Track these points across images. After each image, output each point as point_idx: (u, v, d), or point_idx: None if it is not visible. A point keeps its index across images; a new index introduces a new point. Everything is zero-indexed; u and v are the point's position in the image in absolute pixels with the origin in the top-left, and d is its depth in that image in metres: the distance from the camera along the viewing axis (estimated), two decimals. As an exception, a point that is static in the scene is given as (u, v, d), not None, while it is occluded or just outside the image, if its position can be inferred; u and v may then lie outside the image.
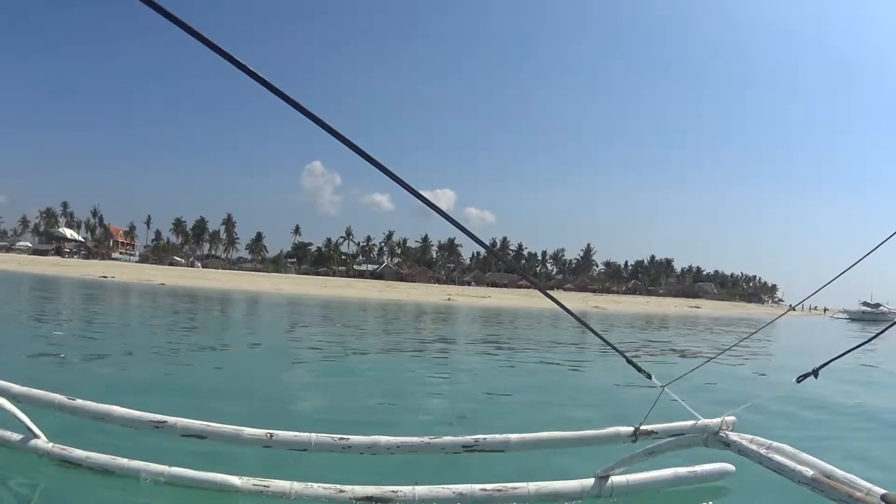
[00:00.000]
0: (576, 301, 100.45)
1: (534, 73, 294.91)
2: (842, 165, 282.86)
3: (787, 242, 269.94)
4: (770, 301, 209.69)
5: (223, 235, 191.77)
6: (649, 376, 5.93)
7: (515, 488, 6.14)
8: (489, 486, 6.09)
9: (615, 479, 6.47)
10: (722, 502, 6.75)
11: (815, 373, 5.02)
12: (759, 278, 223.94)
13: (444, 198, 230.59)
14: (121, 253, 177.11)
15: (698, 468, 6.91)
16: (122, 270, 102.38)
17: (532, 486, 6.19)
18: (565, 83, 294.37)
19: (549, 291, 5.67)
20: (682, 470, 6.85)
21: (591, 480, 6.41)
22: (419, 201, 3.98)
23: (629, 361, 5.86)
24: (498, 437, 6.06)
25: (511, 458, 6.54)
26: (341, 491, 5.90)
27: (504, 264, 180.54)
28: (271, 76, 3.09)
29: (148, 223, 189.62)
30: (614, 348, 5.94)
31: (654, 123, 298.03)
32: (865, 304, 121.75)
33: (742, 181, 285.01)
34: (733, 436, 5.78)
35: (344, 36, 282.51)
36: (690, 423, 5.98)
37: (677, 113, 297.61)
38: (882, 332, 5.30)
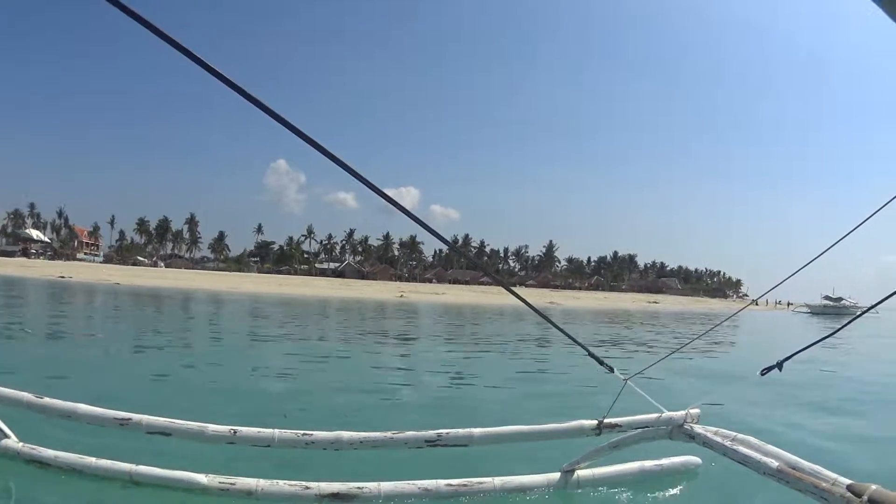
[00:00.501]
0: (532, 297, 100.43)
1: (503, 71, 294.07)
2: (813, 163, 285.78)
3: (755, 238, 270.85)
4: (735, 296, 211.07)
5: (186, 235, 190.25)
6: (611, 370, 5.96)
7: (481, 483, 6.15)
8: (455, 482, 6.09)
9: (581, 472, 6.51)
10: (689, 495, 6.75)
11: (779, 365, 5.04)
12: (724, 273, 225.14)
13: (409, 196, 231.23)
14: (85, 253, 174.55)
15: (665, 461, 6.97)
16: (81, 271, 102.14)
17: (498, 481, 6.21)
18: (534, 81, 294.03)
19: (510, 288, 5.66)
20: (648, 463, 6.90)
21: (557, 474, 6.45)
22: (380, 199, 3.98)
23: (591, 355, 5.86)
24: (461, 431, 6.06)
25: (478, 451, 6.53)
26: (307, 488, 5.89)
27: (466, 261, 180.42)
28: (241, 74, 3.08)
29: (112, 223, 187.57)
30: (576, 342, 5.93)
31: (624, 121, 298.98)
32: (827, 298, 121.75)
33: (712, 178, 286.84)
34: (698, 428, 5.76)
35: (317, 35, 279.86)
36: (654, 415, 5.99)
37: (648, 110, 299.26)
38: (845, 325, 5.35)
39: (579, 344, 5.89)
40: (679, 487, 6.82)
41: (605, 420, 6.08)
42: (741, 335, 42.16)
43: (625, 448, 6.33)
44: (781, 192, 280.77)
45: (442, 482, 6.08)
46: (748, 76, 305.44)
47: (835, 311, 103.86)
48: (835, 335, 5.38)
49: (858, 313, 5.41)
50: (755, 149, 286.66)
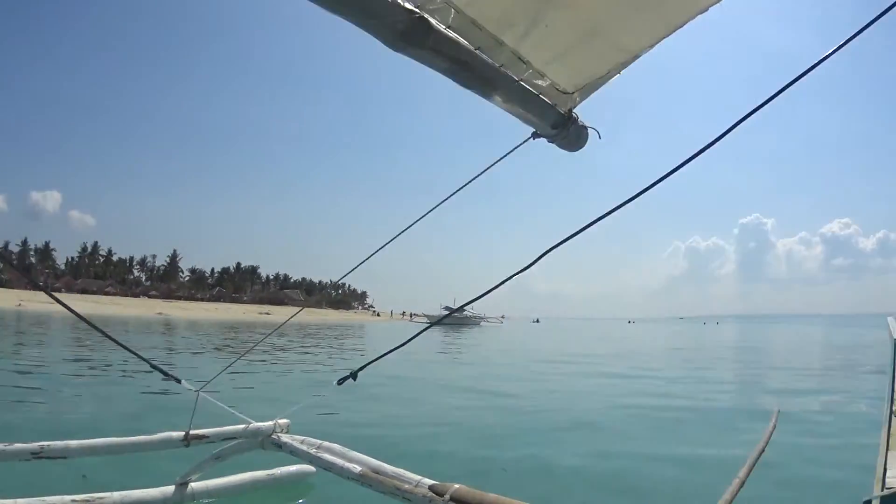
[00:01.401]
0: (140, 308, 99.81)
1: (153, 76, 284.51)
2: (443, 178, 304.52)
3: (381, 251, 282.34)
4: (360, 307, 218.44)
5: None
6: (179, 381, 5.92)
7: (102, 499, 5.99)
8: (79, 497, 5.89)
9: (194, 485, 6.54)
10: (303, 502, 7.03)
11: (353, 375, 5.25)
12: (349, 285, 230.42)
13: (52, 199, 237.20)
14: None
15: (277, 471, 7.18)
16: None
17: (117, 496, 6.08)
18: (182, 89, 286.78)
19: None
20: (260, 473, 7.09)
21: (172, 488, 6.43)
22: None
23: (154, 367, 5.80)
24: (58, 443, 5.79)
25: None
26: None
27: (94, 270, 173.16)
28: None
29: None
30: (138, 356, 5.80)
31: (264, 132, 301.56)
32: (447, 308, 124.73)
33: (339, 193, 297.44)
34: (285, 437, 6.02)
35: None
36: (242, 426, 6.19)
37: (290, 124, 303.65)
38: (414, 337, 5.56)
39: (141, 357, 5.83)
40: (293, 496, 7.08)
41: (192, 432, 6.07)
42: (348, 344, 44.35)
43: (229, 458, 6.35)
44: (408, 205, 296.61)
45: (68, 497, 5.87)
46: (395, 91, 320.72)
47: (456, 321, 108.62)
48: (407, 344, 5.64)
49: (425, 326, 5.65)
50: (374, 166, 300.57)
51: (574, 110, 3.33)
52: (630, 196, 2.87)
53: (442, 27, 2.46)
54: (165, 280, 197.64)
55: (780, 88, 2.36)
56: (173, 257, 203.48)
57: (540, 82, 3.06)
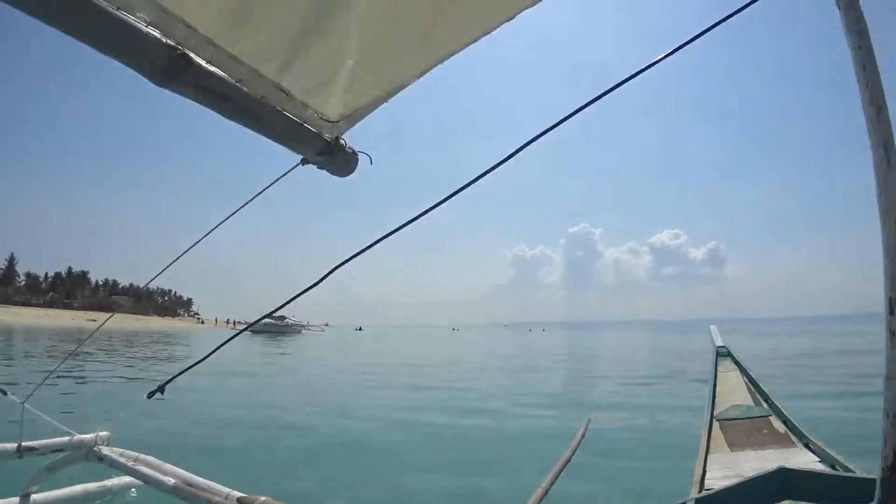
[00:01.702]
0: None
1: None
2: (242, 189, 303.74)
3: (207, 259, 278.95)
4: (186, 314, 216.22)
5: None
6: (5, 393, 6.02)
7: None
8: None
9: (36, 496, 6.50)
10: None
11: (161, 389, 5.30)
12: (175, 292, 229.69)
13: None
14: None
15: (108, 482, 7.24)
16: None
17: None
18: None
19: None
20: (92, 485, 7.15)
21: (17, 499, 6.36)
22: None
23: None
24: None
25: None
26: None
27: None
28: None
29: None
30: None
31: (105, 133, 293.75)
32: (269, 316, 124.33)
33: (164, 196, 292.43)
34: (106, 450, 6.02)
35: None
36: (67, 438, 6.15)
37: (134, 126, 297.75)
38: (223, 344, 5.64)
39: None
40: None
41: (23, 444, 6.06)
42: (167, 352, 44.43)
43: (60, 470, 6.28)
44: (218, 211, 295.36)
45: None
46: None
47: (278, 329, 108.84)
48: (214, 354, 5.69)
49: (233, 334, 5.61)
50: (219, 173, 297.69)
51: (343, 137, 3.37)
52: (424, 210, 2.77)
53: (202, 62, 2.51)
54: (4, 284, 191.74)
55: (602, 92, 2.36)
56: (10, 261, 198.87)
57: (303, 112, 3.11)
